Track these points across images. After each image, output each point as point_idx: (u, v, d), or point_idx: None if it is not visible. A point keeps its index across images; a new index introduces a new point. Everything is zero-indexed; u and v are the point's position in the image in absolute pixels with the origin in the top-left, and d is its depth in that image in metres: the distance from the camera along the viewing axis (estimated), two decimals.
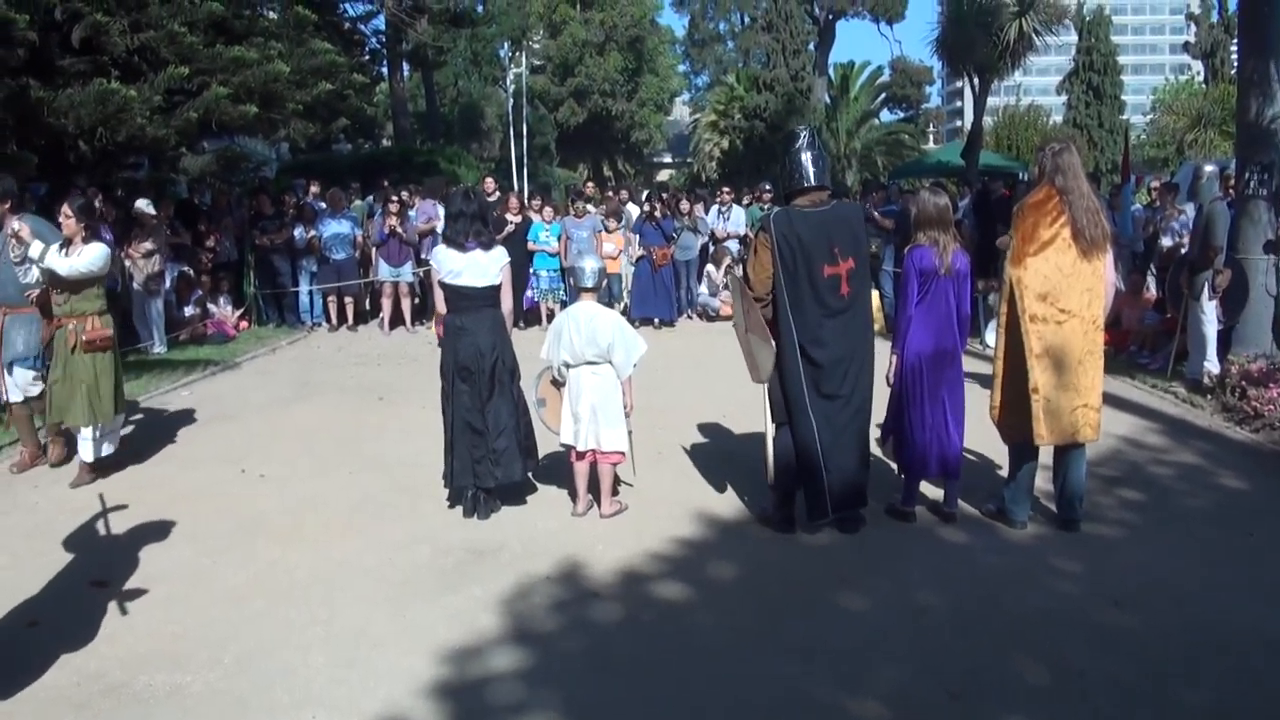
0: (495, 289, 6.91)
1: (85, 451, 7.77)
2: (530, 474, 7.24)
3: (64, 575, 5.89)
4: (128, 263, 13.26)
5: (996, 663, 4.70)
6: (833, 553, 6.16)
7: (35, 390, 8.14)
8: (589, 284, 6.89)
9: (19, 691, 4.53)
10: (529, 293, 16.16)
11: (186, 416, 10.02)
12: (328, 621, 5.23)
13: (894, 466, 6.89)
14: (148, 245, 13.46)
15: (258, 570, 5.96)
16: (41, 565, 6.00)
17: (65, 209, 7.72)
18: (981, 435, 7.20)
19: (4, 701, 4.44)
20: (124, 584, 5.69)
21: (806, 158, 6.31)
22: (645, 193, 20.02)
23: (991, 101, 32.76)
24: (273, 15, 17.85)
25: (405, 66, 34.97)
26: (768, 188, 18.41)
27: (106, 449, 7.93)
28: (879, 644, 4.91)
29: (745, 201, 18.93)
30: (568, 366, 6.77)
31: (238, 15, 15.01)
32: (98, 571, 5.90)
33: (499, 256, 6.96)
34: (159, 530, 6.60)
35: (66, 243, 7.64)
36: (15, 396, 8.20)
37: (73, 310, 7.69)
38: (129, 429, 9.09)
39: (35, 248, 7.59)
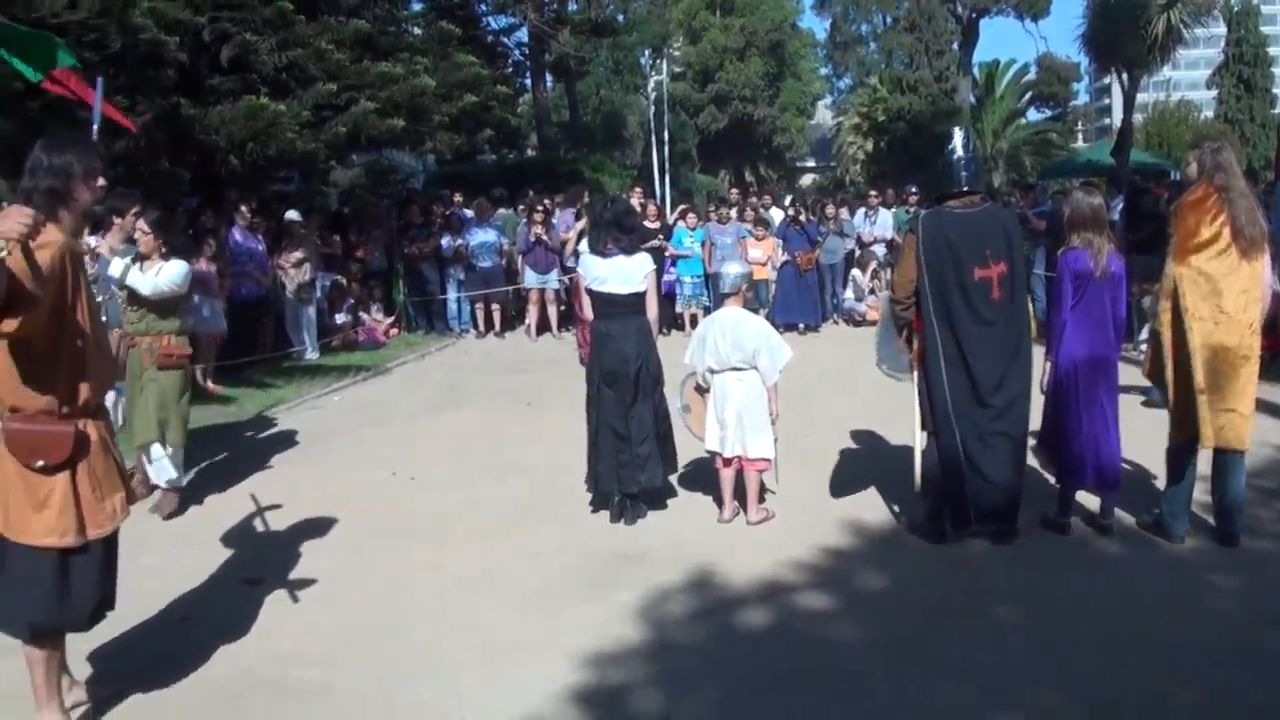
0: (640, 295, 6.92)
1: (159, 472, 7.23)
2: (674, 480, 7.22)
3: (217, 573, 6.07)
4: (279, 272, 13.66)
5: (1150, 685, 4.49)
6: (984, 565, 5.99)
7: None
8: (729, 289, 6.85)
9: (175, 683, 4.65)
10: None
11: (338, 420, 10.25)
12: (475, 625, 5.27)
13: (1049, 476, 6.67)
14: (298, 255, 13.83)
15: (408, 572, 6.04)
16: (194, 564, 6.17)
17: (141, 224, 7.28)
18: (1137, 444, 6.91)
19: (160, 691, 4.57)
20: (276, 582, 5.82)
21: (958, 160, 6.18)
22: (789, 198, 19.85)
23: (1140, 98, 31.78)
24: (418, 31, 18.21)
25: (548, 77, 35.34)
26: (914, 190, 18.14)
27: (179, 474, 7.34)
28: (1028, 661, 4.75)
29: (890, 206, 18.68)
30: (712, 372, 6.73)
31: (383, 32, 15.36)
32: (250, 570, 6.06)
33: (644, 263, 6.96)
34: (311, 531, 6.74)
35: (141, 258, 7.17)
36: None
37: (148, 328, 7.19)
38: (286, 428, 9.30)
39: (115, 265, 7.11)
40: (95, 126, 6.84)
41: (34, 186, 3.90)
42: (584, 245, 11.13)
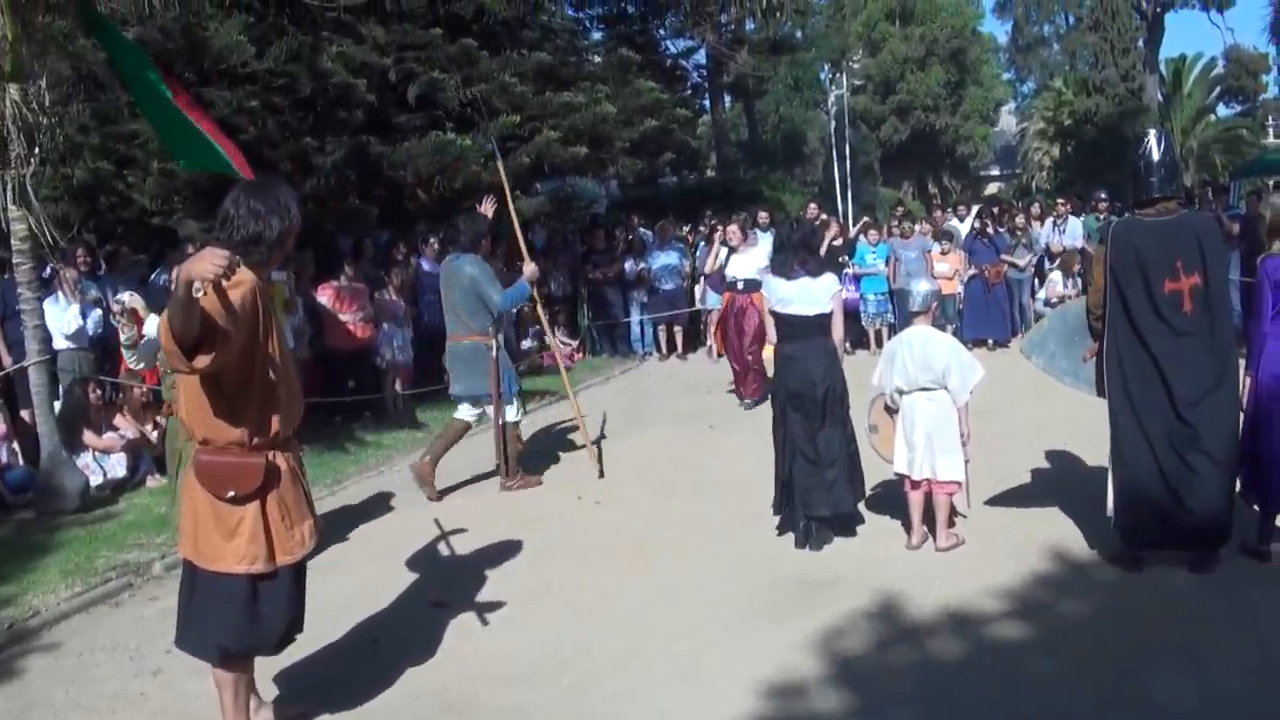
0: (826, 317, 6.85)
1: None
2: (860, 503, 7.12)
3: (405, 595, 6.22)
4: None
5: None
6: (1182, 595, 5.70)
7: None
8: (918, 307, 6.70)
9: (363, 704, 4.77)
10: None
11: (525, 443, 10.39)
12: (664, 648, 5.27)
13: (1244, 497, 6.27)
14: None
15: (595, 594, 6.10)
16: (382, 585, 6.34)
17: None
18: None
19: (348, 713, 4.70)
20: (464, 604, 5.92)
21: (1152, 164, 5.91)
22: (975, 208, 19.41)
23: None
24: (597, 59, 18.46)
25: (726, 97, 35.41)
26: (1104, 196, 17.52)
27: None
28: (1228, 702, 4.49)
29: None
30: (901, 393, 6.59)
31: (564, 63, 15.59)
32: (438, 592, 6.18)
33: (829, 284, 6.91)
34: (499, 553, 6.86)
35: None
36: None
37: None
38: (471, 452, 9.47)
39: (150, 324, 6.34)
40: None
41: (244, 232, 4.03)
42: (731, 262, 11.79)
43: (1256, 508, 6.14)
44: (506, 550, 6.93)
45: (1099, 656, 4.98)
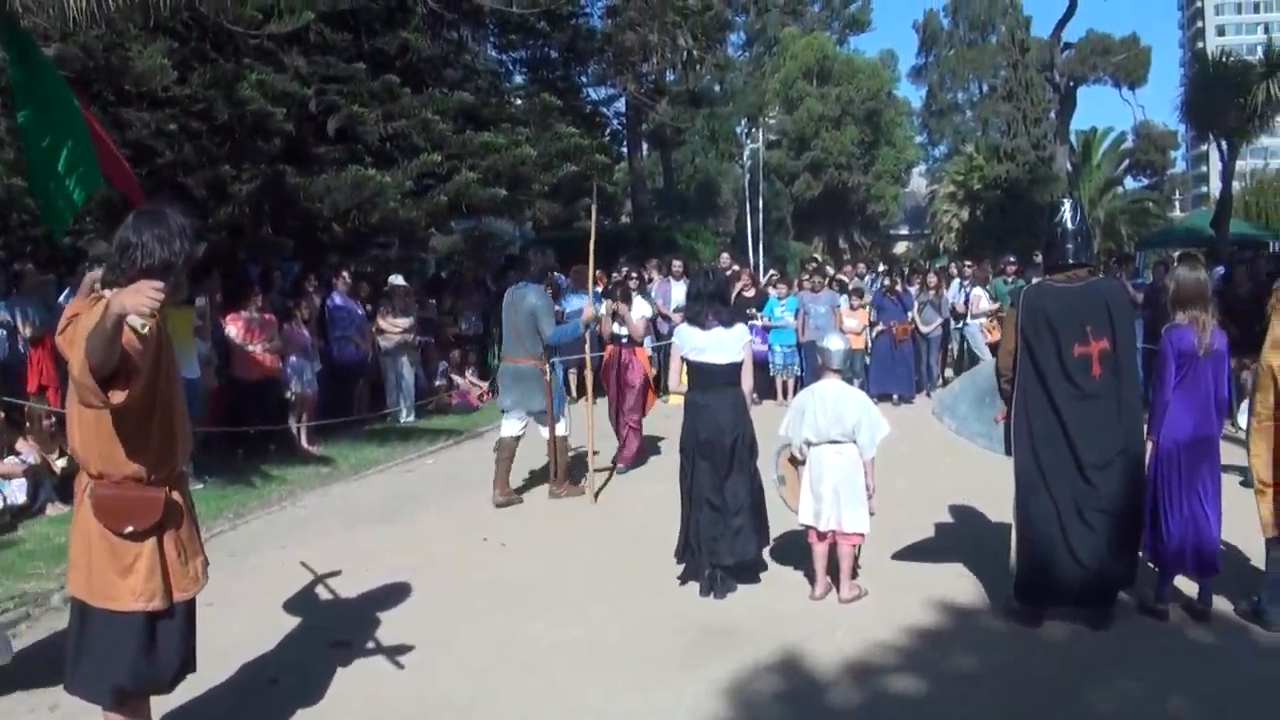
0: (737, 366, 6.92)
1: None
2: (765, 553, 7.16)
3: (306, 634, 6.11)
4: (377, 335, 13.89)
5: None
6: (1079, 650, 5.81)
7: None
8: (837, 365, 6.79)
9: None
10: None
11: (431, 485, 10.35)
12: (568, 696, 5.24)
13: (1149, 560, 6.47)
14: (398, 319, 14.04)
15: (500, 639, 6.03)
16: (282, 624, 6.24)
17: None
18: (1235, 526, 6.68)
19: None
20: (366, 647, 5.84)
21: (1066, 232, 6.10)
22: (883, 266, 19.80)
23: (1238, 165, 31.25)
24: (519, 102, 18.55)
25: (644, 145, 35.71)
26: (1012, 260, 17.98)
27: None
28: None
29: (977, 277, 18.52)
30: (810, 445, 6.67)
31: (486, 103, 15.67)
32: (340, 632, 6.07)
33: (741, 334, 6.99)
34: (401, 594, 6.77)
35: None
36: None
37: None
38: (378, 490, 9.39)
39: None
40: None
41: (151, 260, 3.86)
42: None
43: (1155, 568, 6.30)
44: (410, 591, 6.84)
45: (998, 710, 5.06)
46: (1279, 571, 5.96)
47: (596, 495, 9.48)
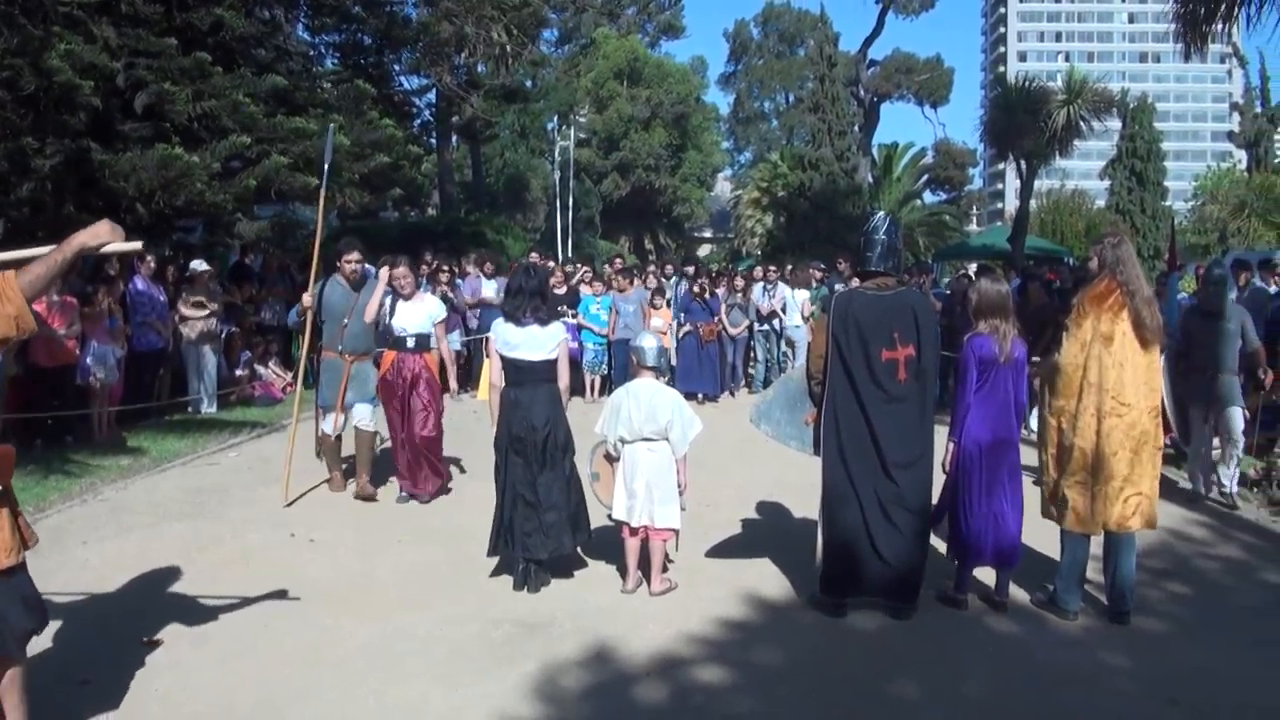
0: (551, 363, 6.99)
1: None
2: (579, 548, 7.26)
3: (115, 632, 5.93)
4: (179, 322, 13.48)
5: None
6: (883, 640, 6.11)
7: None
8: (652, 363, 6.92)
9: None
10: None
11: (235, 478, 10.11)
12: (382, 692, 5.23)
13: (946, 551, 6.83)
14: (206, 306, 13.65)
15: (311, 636, 5.97)
16: (92, 622, 6.06)
17: None
18: (1030, 522, 7.11)
19: None
20: (177, 644, 5.72)
21: (876, 241, 6.38)
22: (691, 268, 20.11)
23: (1036, 185, 32.85)
24: (330, 87, 18.21)
25: (454, 137, 35.43)
26: (822, 266, 18.54)
27: None
28: None
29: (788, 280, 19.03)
30: (624, 442, 6.79)
31: (298, 87, 15.33)
32: (150, 630, 5.92)
33: (556, 332, 7.05)
34: (210, 590, 6.61)
35: None
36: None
37: None
38: (182, 483, 9.14)
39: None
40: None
41: None
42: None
43: (955, 561, 6.67)
44: (219, 588, 6.65)
45: (805, 697, 5.26)
46: (1072, 561, 6.39)
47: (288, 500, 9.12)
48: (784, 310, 17.80)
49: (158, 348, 12.95)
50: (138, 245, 3.75)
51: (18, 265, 3.73)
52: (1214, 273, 10.04)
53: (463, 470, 10.28)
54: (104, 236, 3.72)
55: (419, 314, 9.42)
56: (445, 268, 16.57)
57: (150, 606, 6.39)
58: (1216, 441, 9.60)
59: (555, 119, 50.28)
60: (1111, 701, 5.27)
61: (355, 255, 9.47)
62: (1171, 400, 9.25)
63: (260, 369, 15.73)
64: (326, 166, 9.58)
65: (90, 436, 11.31)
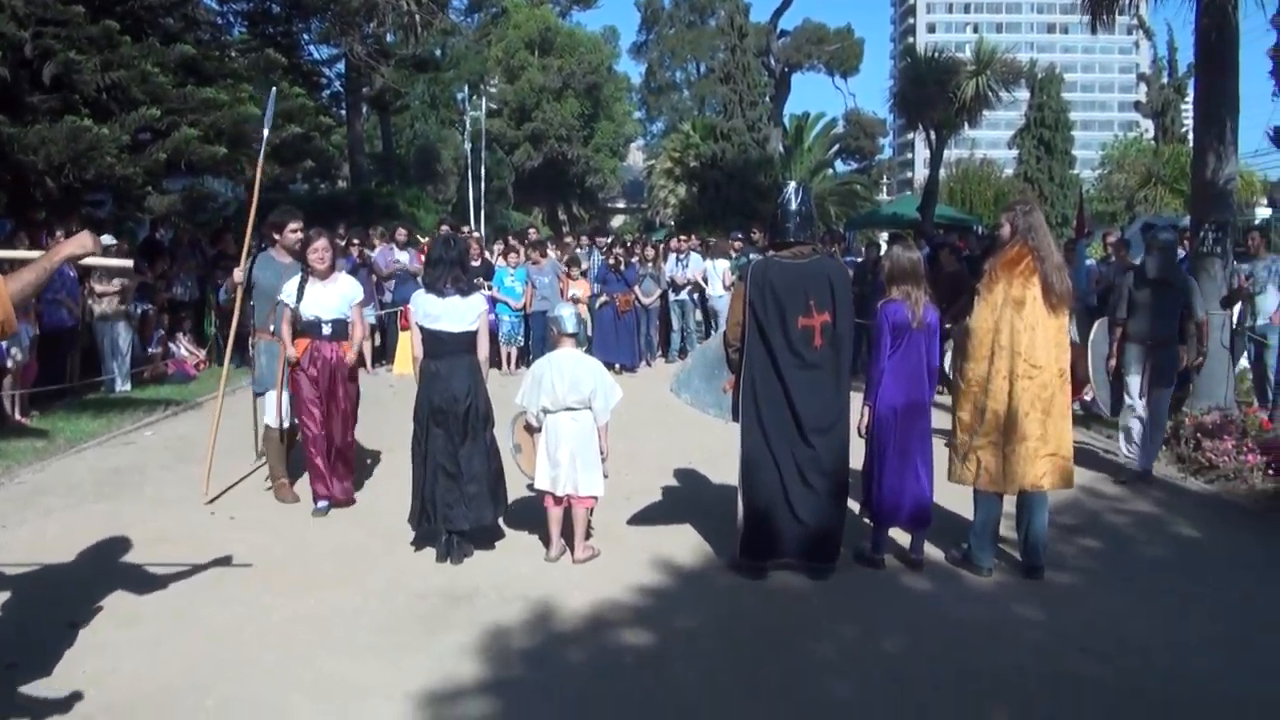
0: (472, 335, 7.01)
1: None
2: (500, 519, 7.32)
3: (36, 615, 5.86)
4: (90, 300, 13.25)
5: (967, 712, 4.82)
6: (803, 599, 6.27)
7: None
8: (571, 329, 6.99)
9: None
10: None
11: (152, 457, 10.00)
12: (310, 667, 5.25)
13: (861, 512, 7.00)
14: (116, 283, 13.41)
15: (236, 614, 5.95)
16: (16, 606, 5.98)
17: None
18: (943, 483, 7.30)
19: None
20: (102, 625, 5.69)
21: (790, 212, 6.49)
22: (607, 240, 20.16)
23: (945, 155, 33.29)
24: (238, 56, 17.94)
25: (364, 108, 35.05)
26: (740, 236, 18.72)
27: None
28: (851, 693, 5.00)
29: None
30: (546, 412, 6.85)
31: (208, 56, 15.10)
32: (75, 613, 5.86)
33: (477, 303, 7.07)
34: (133, 571, 6.57)
35: None
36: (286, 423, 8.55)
37: None
38: (98, 463, 9.01)
39: None
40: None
41: None
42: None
43: (870, 522, 6.86)
44: (143, 566, 6.63)
45: (725, 659, 5.38)
46: (985, 519, 6.62)
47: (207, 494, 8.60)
48: (705, 280, 17.96)
49: (68, 325, 12.71)
50: (128, 263, 3.77)
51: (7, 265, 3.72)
52: (1161, 238, 9.46)
53: (380, 446, 10.21)
54: (90, 247, 3.72)
55: (334, 297, 8.20)
56: (357, 241, 16.45)
57: (74, 589, 6.32)
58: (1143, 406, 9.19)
59: (466, 89, 49.78)
60: (1023, 652, 5.47)
61: (297, 224, 8.74)
62: (1105, 372, 9.40)
63: (173, 346, 15.50)
64: (266, 133, 9.37)
65: (2, 419, 11.08)
